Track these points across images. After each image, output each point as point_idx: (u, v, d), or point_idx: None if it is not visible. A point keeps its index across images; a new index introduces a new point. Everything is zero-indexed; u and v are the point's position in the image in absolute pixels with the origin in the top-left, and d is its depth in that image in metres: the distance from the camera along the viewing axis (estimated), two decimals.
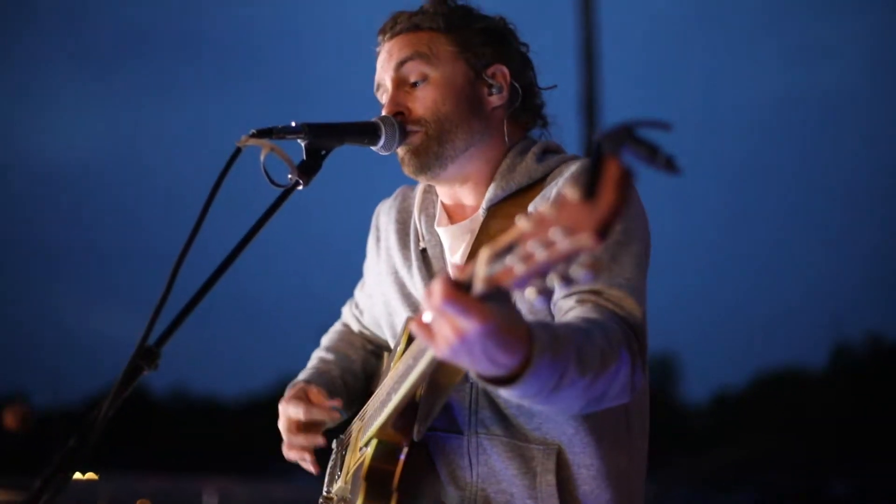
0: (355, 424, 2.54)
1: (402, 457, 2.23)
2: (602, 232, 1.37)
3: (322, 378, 2.65)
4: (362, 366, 2.75)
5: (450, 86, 2.37)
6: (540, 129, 2.51)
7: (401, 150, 2.38)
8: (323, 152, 2.23)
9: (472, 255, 2.36)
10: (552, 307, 2.21)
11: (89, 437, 1.83)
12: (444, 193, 2.49)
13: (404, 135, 2.35)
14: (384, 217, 2.65)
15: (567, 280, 1.41)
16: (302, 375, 2.67)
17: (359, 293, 2.81)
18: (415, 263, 2.49)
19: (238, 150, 2.12)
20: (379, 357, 2.78)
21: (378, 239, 2.65)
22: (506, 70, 2.41)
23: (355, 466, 2.37)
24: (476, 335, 1.61)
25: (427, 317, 1.63)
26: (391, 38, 2.43)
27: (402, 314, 2.51)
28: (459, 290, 1.57)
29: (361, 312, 2.80)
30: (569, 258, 1.39)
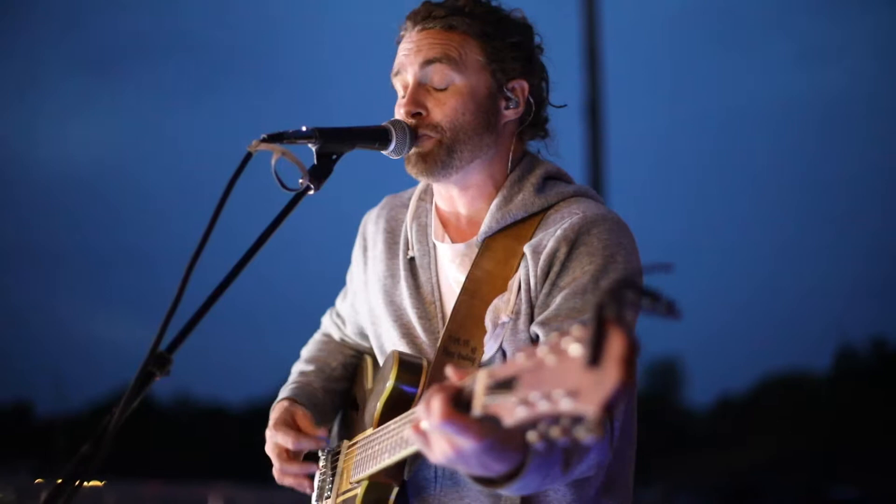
0: (345, 445, 2.53)
1: (393, 496, 2.31)
2: (609, 408, 1.38)
3: (303, 392, 2.62)
4: (343, 371, 2.72)
5: (472, 96, 2.33)
6: (540, 140, 2.48)
7: (410, 151, 2.36)
8: (334, 156, 2.21)
9: (466, 290, 2.34)
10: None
11: (102, 443, 1.83)
12: (442, 197, 2.47)
13: (415, 139, 2.33)
14: (372, 226, 2.63)
15: (569, 438, 1.42)
16: (283, 392, 2.63)
17: (340, 303, 2.79)
18: (402, 272, 2.48)
19: (249, 155, 2.11)
20: (360, 359, 2.75)
21: (365, 248, 2.64)
22: (526, 86, 2.39)
23: (345, 497, 2.40)
24: (472, 451, 1.64)
25: (425, 425, 1.64)
26: (422, 30, 2.37)
27: (386, 323, 2.50)
28: (457, 410, 1.58)
29: (344, 322, 2.77)
30: (572, 418, 1.41)
